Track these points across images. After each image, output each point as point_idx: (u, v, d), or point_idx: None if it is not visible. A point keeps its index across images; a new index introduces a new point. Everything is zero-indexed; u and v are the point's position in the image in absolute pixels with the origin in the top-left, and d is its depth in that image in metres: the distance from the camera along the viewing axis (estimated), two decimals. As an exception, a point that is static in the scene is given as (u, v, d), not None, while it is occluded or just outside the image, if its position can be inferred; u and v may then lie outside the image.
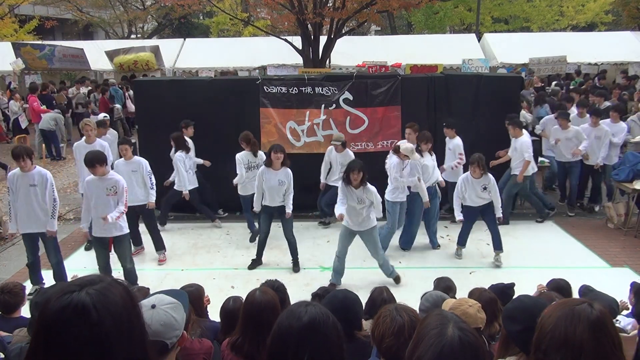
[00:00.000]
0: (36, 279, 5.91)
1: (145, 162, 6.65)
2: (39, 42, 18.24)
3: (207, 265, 6.80)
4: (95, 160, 5.39)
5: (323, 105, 8.21)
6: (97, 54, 16.66)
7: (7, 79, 16.74)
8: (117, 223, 5.54)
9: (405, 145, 6.49)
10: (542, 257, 6.81)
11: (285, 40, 15.37)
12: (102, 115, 8.35)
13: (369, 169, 5.88)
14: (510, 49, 16.76)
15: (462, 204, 6.74)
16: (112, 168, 6.34)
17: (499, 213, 6.58)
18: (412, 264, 6.73)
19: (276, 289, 3.30)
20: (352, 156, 7.40)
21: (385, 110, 8.24)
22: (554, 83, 15.02)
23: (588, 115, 8.48)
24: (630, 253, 6.98)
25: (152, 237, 6.89)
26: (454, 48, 16.56)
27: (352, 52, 16.22)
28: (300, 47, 15.18)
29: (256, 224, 7.11)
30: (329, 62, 16.02)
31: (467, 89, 8.27)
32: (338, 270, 6.01)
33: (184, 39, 19.21)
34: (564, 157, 8.32)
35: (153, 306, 1.78)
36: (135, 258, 6.80)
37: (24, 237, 5.82)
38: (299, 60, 15.55)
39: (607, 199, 8.47)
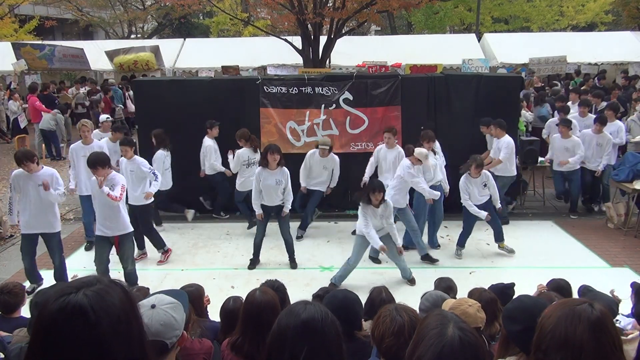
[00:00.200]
0: (34, 278, 5.90)
1: (142, 161, 6.61)
2: (39, 42, 18.22)
3: (207, 265, 6.80)
4: (97, 162, 5.40)
5: (323, 105, 8.21)
6: (97, 54, 16.65)
7: (8, 79, 16.74)
8: (121, 221, 5.55)
9: (419, 150, 6.49)
10: (542, 257, 6.82)
11: (285, 40, 15.36)
12: (104, 117, 8.31)
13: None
14: (510, 49, 16.75)
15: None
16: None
17: (498, 204, 6.81)
18: (412, 263, 6.72)
19: (276, 289, 3.30)
20: (337, 160, 7.41)
21: (385, 110, 8.23)
22: (552, 83, 15.00)
23: (590, 115, 8.39)
24: (630, 253, 6.99)
25: (137, 236, 6.67)
26: (454, 48, 16.55)
27: (352, 52, 16.21)
28: (300, 47, 15.17)
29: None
30: (329, 62, 16.01)
31: (467, 89, 8.27)
32: (344, 276, 6.01)
33: (184, 39, 19.20)
34: (560, 166, 8.15)
35: (153, 306, 1.78)
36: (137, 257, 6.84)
37: (24, 237, 5.81)
38: (299, 60, 15.54)
39: (602, 201, 8.41)
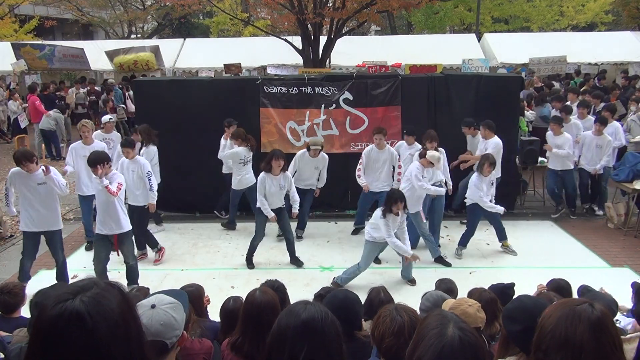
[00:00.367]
0: (23, 277, 5.82)
1: (144, 163, 6.59)
2: (39, 42, 18.23)
3: (207, 265, 6.80)
4: (97, 161, 5.43)
5: (323, 105, 8.20)
6: (97, 54, 16.65)
7: (8, 79, 16.74)
8: (120, 219, 5.58)
9: (432, 152, 6.49)
10: (542, 257, 6.82)
11: (285, 40, 15.36)
12: (107, 118, 8.30)
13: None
14: (510, 49, 16.76)
15: (468, 202, 6.82)
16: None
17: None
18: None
19: (276, 289, 3.30)
20: (327, 159, 7.40)
21: (385, 110, 8.23)
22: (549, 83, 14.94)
23: (589, 117, 8.35)
24: (630, 253, 6.99)
25: (135, 236, 6.76)
26: (454, 48, 16.55)
27: (352, 52, 16.21)
28: (300, 47, 15.17)
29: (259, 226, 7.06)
30: (329, 62, 16.01)
31: (467, 89, 8.27)
32: (351, 279, 6.00)
33: (184, 39, 19.20)
34: (555, 165, 8.09)
35: (153, 306, 1.78)
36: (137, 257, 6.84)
37: (26, 236, 5.80)
38: (299, 60, 15.54)
39: (599, 205, 8.38)
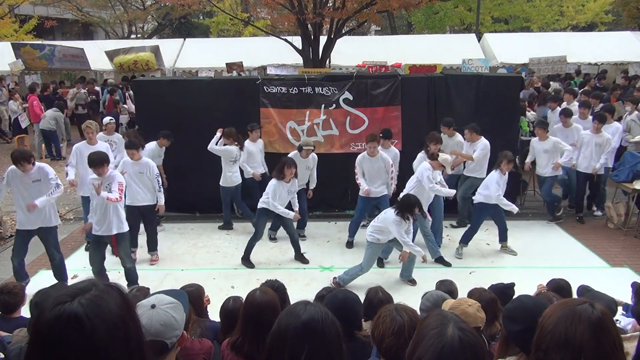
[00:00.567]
0: (21, 277, 5.82)
1: (152, 165, 6.67)
2: (39, 42, 18.22)
3: (207, 265, 6.80)
4: (98, 161, 5.46)
5: (323, 105, 8.20)
6: (97, 54, 16.65)
7: (8, 79, 16.74)
8: (117, 220, 5.59)
9: (444, 156, 6.49)
10: (542, 257, 6.82)
11: (285, 40, 15.36)
12: (108, 119, 8.29)
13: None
14: (510, 49, 16.75)
15: (476, 200, 6.85)
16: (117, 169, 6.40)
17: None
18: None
19: (276, 289, 3.30)
20: (316, 159, 7.40)
21: (385, 110, 8.23)
22: (551, 83, 14.94)
23: (590, 118, 8.29)
24: (630, 253, 6.99)
25: (149, 237, 6.89)
26: (454, 48, 16.55)
27: (352, 52, 16.21)
28: (300, 47, 15.17)
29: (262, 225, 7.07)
30: (329, 62, 16.01)
31: (467, 89, 8.27)
32: (352, 279, 5.99)
33: (184, 39, 19.19)
34: (539, 170, 7.96)
35: (153, 306, 1.78)
36: (137, 257, 6.84)
37: (18, 233, 5.83)
38: (299, 60, 15.54)
39: (597, 205, 8.36)
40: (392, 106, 8.22)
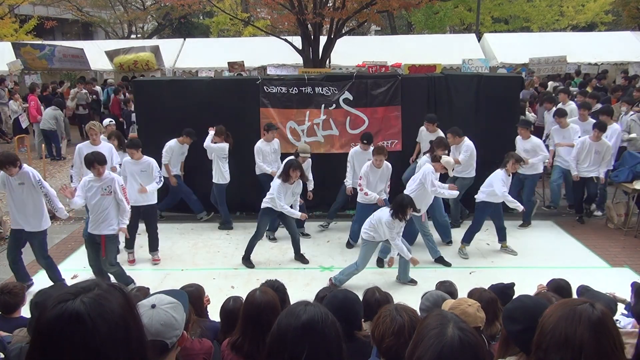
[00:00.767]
0: (22, 277, 5.83)
1: (154, 163, 6.69)
2: (39, 42, 18.22)
3: (207, 265, 6.80)
4: (94, 161, 5.46)
5: (323, 105, 8.20)
6: (97, 54, 16.64)
7: (7, 79, 16.73)
8: (109, 222, 5.64)
9: (447, 159, 6.49)
10: (542, 257, 6.82)
11: (285, 40, 15.36)
12: (107, 121, 8.29)
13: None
14: (510, 49, 16.75)
15: (478, 199, 6.85)
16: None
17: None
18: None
19: (276, 289, 3.30)
20: (310, 162, 7.36)
21: (385, 110, 8.23)
22: (550, 83, 14.93)
23: (590, 119, 8.21)
24: (630, 253, 6.99)
25: (150, 236, 6.89)
26: (453, 48, 16.55)
27: (352, 52, 16.20)
28: (300, 47, 15.16)
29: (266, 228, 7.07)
30: (329, 62, 16.00)
31: (467, 89, 8.27)
32: (348, 278, 5.99)
33: (184, 39, 19.18)
34: (519, 169, 7.62)
35: (153, 306, 1.78)
36: (135, 257, 6.84)
37: (11, 232, 5.89)
38: (299, 60, 15.53)
39: (597, 205, 8.32)
40: (392, 106, 8.22)
